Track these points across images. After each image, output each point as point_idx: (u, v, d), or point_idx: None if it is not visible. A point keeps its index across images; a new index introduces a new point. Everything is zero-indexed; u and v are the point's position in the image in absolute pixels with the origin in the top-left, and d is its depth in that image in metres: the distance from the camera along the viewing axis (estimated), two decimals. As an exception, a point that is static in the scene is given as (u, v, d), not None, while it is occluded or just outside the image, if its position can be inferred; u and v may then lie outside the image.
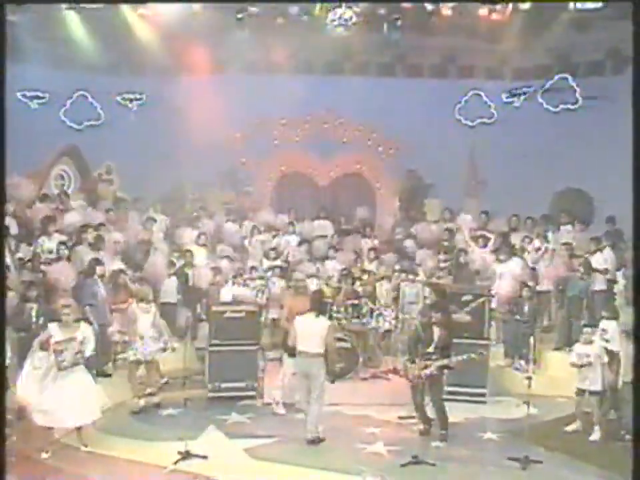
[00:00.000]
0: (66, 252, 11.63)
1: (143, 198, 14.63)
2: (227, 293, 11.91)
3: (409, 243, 13.74)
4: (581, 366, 9.33)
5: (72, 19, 14.52)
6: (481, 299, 10.77)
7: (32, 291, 10.32)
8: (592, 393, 9.27)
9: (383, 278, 12.39)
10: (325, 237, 14.37)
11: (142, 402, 10.13)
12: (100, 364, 10.64)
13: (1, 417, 6.45)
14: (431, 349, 9.15)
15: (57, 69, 15.55)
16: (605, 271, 12.09)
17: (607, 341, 9.57)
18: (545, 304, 12.50)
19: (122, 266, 11.95)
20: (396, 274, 12.25)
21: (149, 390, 10.22)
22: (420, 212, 15.24)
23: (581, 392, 9.40)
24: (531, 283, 12.13)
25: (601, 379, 9.23)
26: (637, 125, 7.22)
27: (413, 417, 9.60)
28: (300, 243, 13.82)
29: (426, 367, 9.08)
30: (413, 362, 9.21)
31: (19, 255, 11.63)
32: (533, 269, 12.52)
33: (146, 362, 10.10)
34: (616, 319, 9.95)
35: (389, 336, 11.88)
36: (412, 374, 9.21)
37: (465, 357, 9.28)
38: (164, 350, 10.16)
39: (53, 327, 8.60)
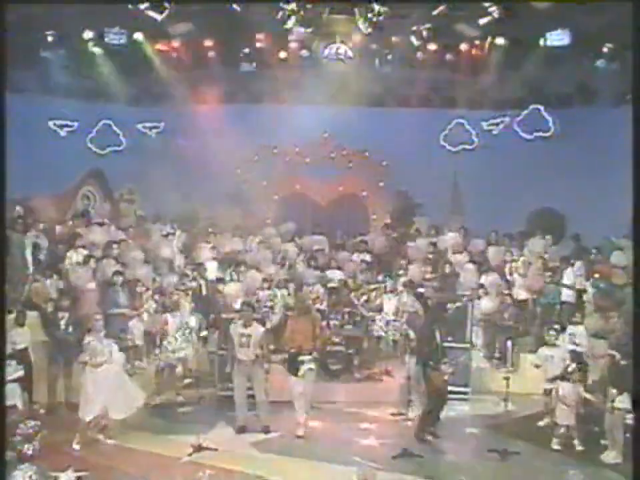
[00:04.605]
0: (91, 265, 11.68)
1: (161, 216, 14.69)
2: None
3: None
4: (537, 366, 9.49)
5: (98, 56, 14.68)
6: (460, 303, 10.85)
7: (63, 301, 10.42)
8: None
9: (374, 289, 12.37)
10: (323, 250, 14.45)
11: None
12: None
13: (1, 416, 6.35)
14: (437, 350, 8.94)
15: (84, 100, 15.71)
16: (573, 286, 12.22)
17: (575, 344, 9.68)
18: (521, 311, 12.56)
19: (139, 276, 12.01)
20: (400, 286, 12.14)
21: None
22: (409, 229, 15.30)
23: (548, 392, 9.47)
24: (509, 292, 12.23)
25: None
26: (637, 124, 7.18)
27: (402, 414, 9.68)
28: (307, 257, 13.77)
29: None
30: (435, 369, 8.88)
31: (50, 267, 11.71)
32: (509, 280, 12.61)
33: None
34: (582, 324, 10.13)
35: (381, 341, 11.94)
36: (436, 379, 8.89)
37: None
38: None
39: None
